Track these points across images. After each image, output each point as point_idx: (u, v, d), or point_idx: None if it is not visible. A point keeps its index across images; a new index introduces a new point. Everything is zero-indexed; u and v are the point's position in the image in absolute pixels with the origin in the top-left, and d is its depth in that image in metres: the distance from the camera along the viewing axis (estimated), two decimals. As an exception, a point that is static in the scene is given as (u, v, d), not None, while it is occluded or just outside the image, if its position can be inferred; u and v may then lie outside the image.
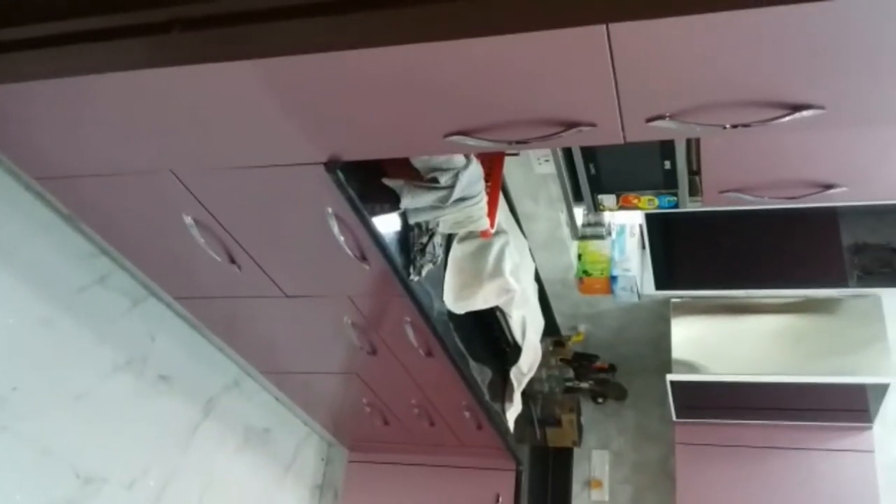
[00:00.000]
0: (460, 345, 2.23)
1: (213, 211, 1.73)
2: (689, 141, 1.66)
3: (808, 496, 2.88)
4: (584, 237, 2.65)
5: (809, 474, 2.92)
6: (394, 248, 1.76)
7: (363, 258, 1.79)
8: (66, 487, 2.07)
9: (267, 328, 2.30)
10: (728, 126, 1.25)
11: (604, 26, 1.06)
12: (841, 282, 2.48)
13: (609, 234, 2.65)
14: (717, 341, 2.83)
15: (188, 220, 1.76)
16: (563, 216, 2.44)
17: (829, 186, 1.70)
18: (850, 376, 2.62)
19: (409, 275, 1.83)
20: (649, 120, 1.26)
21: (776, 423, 3.00)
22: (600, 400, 3.43)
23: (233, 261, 1.90)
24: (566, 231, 2.53)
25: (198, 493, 2.60)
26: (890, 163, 1.64)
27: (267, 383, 2.81)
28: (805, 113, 1.19)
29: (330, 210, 1.63)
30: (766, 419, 3.01)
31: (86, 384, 2.14)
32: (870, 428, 2.92)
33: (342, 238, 1.70)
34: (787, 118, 1.20)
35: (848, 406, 2.84)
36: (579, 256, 2.70)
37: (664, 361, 2.85)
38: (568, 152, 1.82)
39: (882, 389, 2.62)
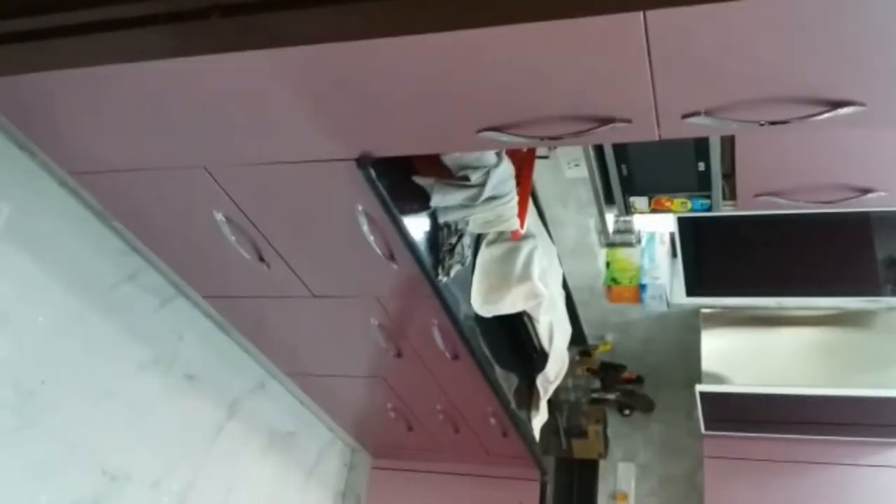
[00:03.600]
0: (486, 349, 2.21)
1: (244, 207, 1.74)
2: (723, 142, 1.64)
3: (839, 513, 2.82)
4: (612, 244, 2.62)
5: (841, 490, 2.85)
6: (423, 248, 1.75)
7: (392, 258, 1.78)
8: (92, 483, 2.08)
9: (293, 329, 2.30)
10: (765, 123, 1.23)
11: (640, 13, 1.05)
12: (874, 291, 2.43)
13: (639, 241, 2.62)
14: (748, 353, 2.78)
15: (219, 216, 1.77)
16: (593, 222, 2.42)
17: (866, 191, 1.67)
18: (884, 390, 2.56)
19: (437, 275, 1.82)
20: (685, 116, 1.24)
21: (807, 438, 2.94)
22: (627, 412, 3.39)
23: (262, 259, 1.90)
24: (595, 238, 2.51)
25: (221, 497, 2.60)
26: (931, 167, 1.61)
27: (292, 386, 2.80)
28: (845, 110, 1.17)
29: (360, 207, 1.63)
30: (798, 433, 2.95)
31: (113, 381, 2.15)
32: (904, 444, 2.86)
33: (371, 237, 1.70)
34: (826, 115, 1.18)
35: (881, 421, 2.77)
36: (608, 264, 2.67)
37: (692, 373, 2.80)
38: (600, 153, 1.80)
39: (917, 405, 2.56)
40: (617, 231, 2.58)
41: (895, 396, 2.55)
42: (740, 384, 2.70)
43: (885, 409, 2.67)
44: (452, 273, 1.84)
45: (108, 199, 1.84)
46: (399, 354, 2.26)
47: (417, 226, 1.72)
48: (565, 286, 2.71)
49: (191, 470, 2.46)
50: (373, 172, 1.52)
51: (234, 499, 2.66)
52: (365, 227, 1.67)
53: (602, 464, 3.45)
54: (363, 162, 1.50)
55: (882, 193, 1.68)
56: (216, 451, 2.57)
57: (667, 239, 2.60)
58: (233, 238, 1.81)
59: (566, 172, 2.20)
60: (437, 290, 1.86)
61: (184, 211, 1.80)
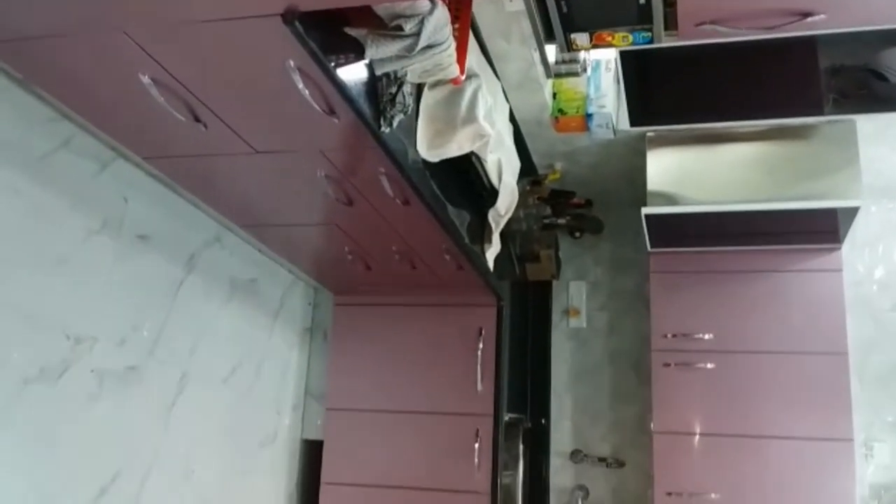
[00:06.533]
0: (437, 191, 2.23)
1: (171, 69, 1.66)
2: (664, -28, 1.58)
3: (780, 315, 3.02)
4: (558, 74, 2.58)
5: (781, 294, 3.04)
6: (362, 100, 1.71)
7: (331, 112, 1.74)
8: (58, 348, 2.12)
9: (241, 184, 2.27)
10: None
11: None
12: (817, 109, 2.47)
13: (584, 70, 2.59)
14: (692, 172, 2.84)
15: (146, 79, 1.69)
16: (537, 55, 2.36)
17: (806, 14, 1.64)
18: (821, 201, 2.67)
19: (379, 126, 1.79)
20: (621, -45, 1.19)
21: (749, 249, 3.09)
22: (577, 234, 3.50)
23: (197, 119, 1.84)
24: (540, 70, 2.46)
25: (189, 345, 2.68)
26: (871, -14, 1.58)
27: (248, 236, 2.82)
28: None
29: (292, 63, 1.57)
30: (740, 245, 3.10)
31: (63, 249, 2.13)
32: (839, 248, 3.02)
33: (307, 92, 1.65)
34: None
35: (819, 228, 2.92)
36: (554, 95, 2.65)
37: (640, 194, 2.88)
38: (538, -11, 1.73)
39: (852, 212, 2.68)
40: (562, 61, 2.53)
41: (830, 207, 2.67)
42: (685, 203, 2.79)
43: (820, 219, 2.80)
44: (395, 123, 1.81)
45: (27, 68, 1.75)
46: (350, 203, 2.26)
47: (355, 78, 1.67)
48: (512, 120, 2.70)
49: (156, 325, 2.51)
50: (300, 27, 1.45)
51: (203, 345, 2.74)
52: (299, 84, 1.61)
53: (555, 284, 3.61)
54: (289, 17, 1.43)
55: (822, 16, 1.65)
56: (179, 305, 2.61)
57: (612, 65, 2.57)
58: (163, 100, 1.74)
59: (507, 6, 2.11)
60: (381, 141, 1.85)
61: (108, 76, 1.72)
